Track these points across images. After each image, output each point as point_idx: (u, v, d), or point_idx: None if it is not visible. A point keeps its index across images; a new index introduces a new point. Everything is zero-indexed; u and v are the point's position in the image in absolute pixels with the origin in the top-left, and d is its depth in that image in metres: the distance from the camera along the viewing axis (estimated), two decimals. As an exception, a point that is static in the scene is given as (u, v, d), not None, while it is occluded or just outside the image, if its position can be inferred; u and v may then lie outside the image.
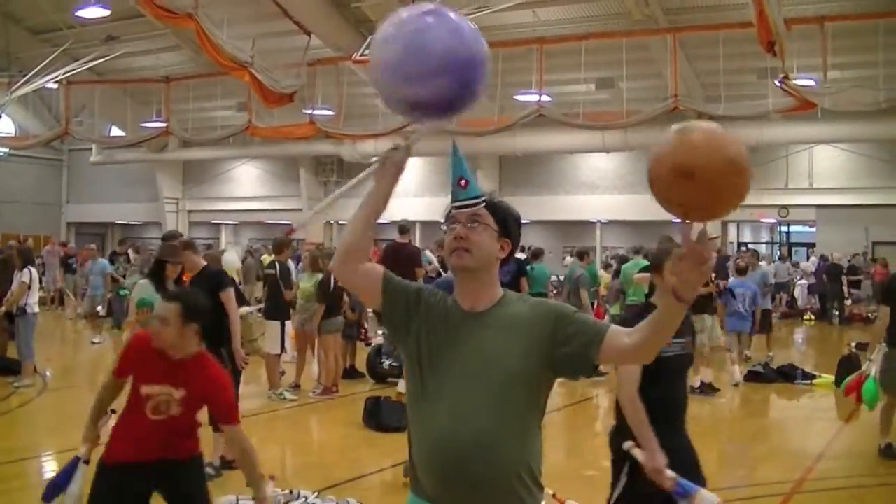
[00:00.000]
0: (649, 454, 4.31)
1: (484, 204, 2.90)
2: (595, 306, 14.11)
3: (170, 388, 4.46)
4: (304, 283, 12.49)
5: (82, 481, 4.63)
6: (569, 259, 16.92)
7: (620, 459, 4.51)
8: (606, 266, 20.09)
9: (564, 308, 2.91)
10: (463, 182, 2.90)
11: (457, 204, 2.89)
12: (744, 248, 30.04)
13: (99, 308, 18.96)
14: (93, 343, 17.36)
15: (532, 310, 2.88)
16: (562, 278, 18.79)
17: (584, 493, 7.73)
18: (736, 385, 13.31)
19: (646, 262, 13.55)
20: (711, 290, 12.61)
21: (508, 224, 2.94)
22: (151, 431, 4.51)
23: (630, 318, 3.86)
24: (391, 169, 2.91)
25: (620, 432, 4.51)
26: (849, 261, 25.46)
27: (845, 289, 24.96)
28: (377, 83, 2.85)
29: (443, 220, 2.97)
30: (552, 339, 2.79)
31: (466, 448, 2.72)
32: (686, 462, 4.47)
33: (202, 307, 4.66)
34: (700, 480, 4.44)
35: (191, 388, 4.49)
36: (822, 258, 25.74)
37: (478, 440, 2.72)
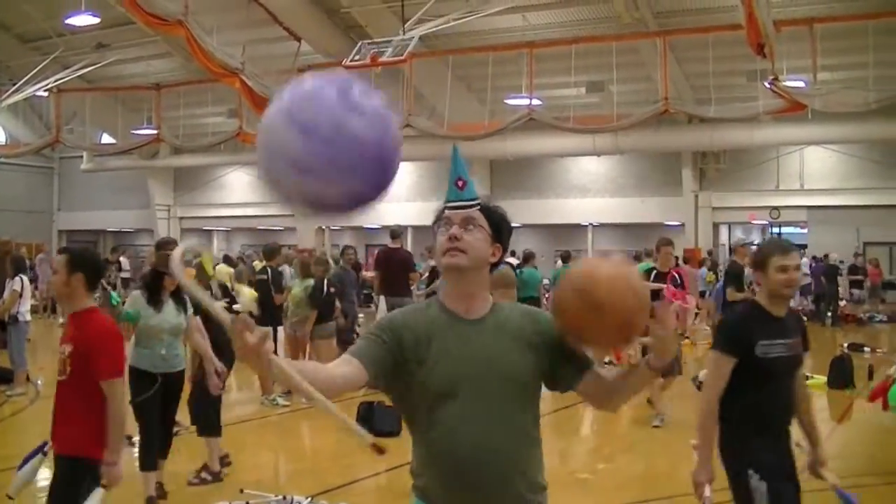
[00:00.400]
0: (700, 465, 4.26)
1: (479, 207, 2.87)
2: None
3: (63, 346, 4.69)
4: (295, 288, 12.47)
5: (37, 467, 4.71)
6: (560, 263, 17.00)
7: (738, 474, 4.27)
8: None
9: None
10: (460, 183, 2.86)
11: (452, 204, 2.85)
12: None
13: None
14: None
15: (524, 318, 2.92)
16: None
17: (579, 496, 7.74)
18: None
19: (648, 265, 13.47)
20: (748, 296, 12.65)
21: (502, 230, 2.92)
22: (62, 408, 4.71)
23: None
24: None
25: (729, 445, 4.32)
26: (841, 262, 25.47)
27: (841, 289, 24.98)
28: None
29: (434, 219, 2.92)
30: (548, 351, 2.85)
31: (470, 449, 2.73)
32: (782, 472, 4.32)
33: (88, 258, 4.92)
34: (794, 487, 4.35)
35: (76, 342, 4.65)
36: (816, 259, 25.78)
37: (481, 444, 2.73)
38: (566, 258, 16.48)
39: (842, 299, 24.98)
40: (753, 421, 4.24)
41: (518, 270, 14.62)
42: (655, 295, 10.31)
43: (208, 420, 8.04)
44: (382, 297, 14.69)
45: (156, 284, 7.18)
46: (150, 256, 14.16)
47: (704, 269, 23.00)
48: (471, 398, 2.74)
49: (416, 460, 2.89)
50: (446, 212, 2.86)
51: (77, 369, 4.61)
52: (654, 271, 10.60)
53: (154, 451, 7.06)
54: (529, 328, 2.87)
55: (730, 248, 30.72)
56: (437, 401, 2.76)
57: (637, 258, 15.46)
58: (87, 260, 4.88)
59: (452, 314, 2.85)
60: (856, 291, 25.54)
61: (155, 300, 7.08)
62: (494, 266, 2.92)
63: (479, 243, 2.83)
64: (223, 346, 8.00)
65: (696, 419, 4.39)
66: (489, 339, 2.82)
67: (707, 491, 4.18)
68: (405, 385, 2.80)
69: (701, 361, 16.86)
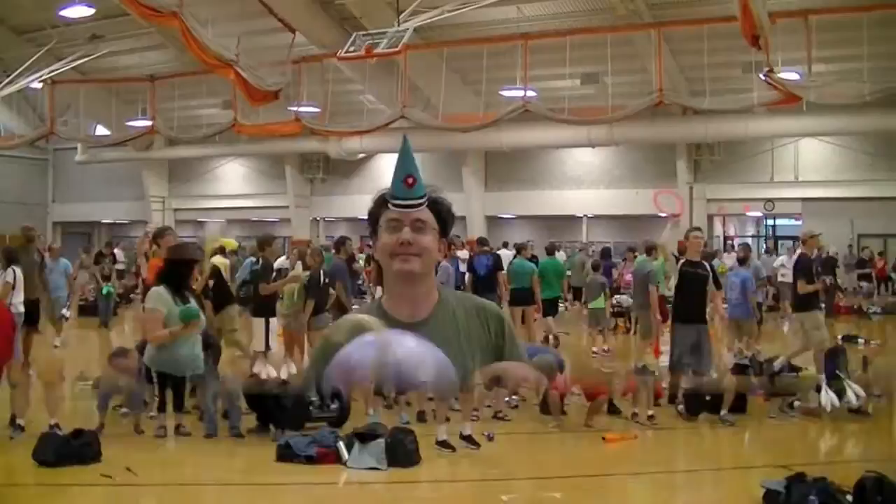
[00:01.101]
0: None
1: (426, 203, 2.74)
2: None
3: None
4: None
5: None
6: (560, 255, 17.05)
7: None
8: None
9: (506, 318, 2.91)
10: (410, 180, 2.69)
11: (401, 203, 2.70)
12: (730, 242, 30.11)
13: (64, 310, 17.84)
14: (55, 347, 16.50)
15: (471, 311, 2.83)
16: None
17: (575, 497, 7.75)
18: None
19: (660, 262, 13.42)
20: (818, 288, 12.67)
21: (448, 224, 2.80)
22: None
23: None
24: None
25: None
26: (835, 253, 25.47)
27: (840, 281, 24.96)
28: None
29: (372, 214, 2.78)
30: (493, 350, 2.79)
31: None
32: None
33: None
34: None
35: None
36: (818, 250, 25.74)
37: None
38: (551, 251, 16.49)
39: (840, 291, 25.00)
40: None
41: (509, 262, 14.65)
42: (703, 283, 10.04)
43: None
44: (379, 288, 14.69)
45: (177, 276, 6.84)
46: (141, 246, 14.09)
47: (717, 261, 22.96)
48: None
49: None
50: (393, 209, 2.73)
51: None
52: (683, 260, 10.21)
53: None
54: (475, 322, 2.80)
55: (725, 240, 30.80)
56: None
57: (633, 251, 15.42)
58: None
59: (393, 320, 2.69)
60: (865, 284, 25.51)
61: (181, 295, 6.73)
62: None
63: (431, 245, 2.72)
64: (207, 338, 8.00)
65: None
66: (439, 339, 2.62)
67: None
68: None
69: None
